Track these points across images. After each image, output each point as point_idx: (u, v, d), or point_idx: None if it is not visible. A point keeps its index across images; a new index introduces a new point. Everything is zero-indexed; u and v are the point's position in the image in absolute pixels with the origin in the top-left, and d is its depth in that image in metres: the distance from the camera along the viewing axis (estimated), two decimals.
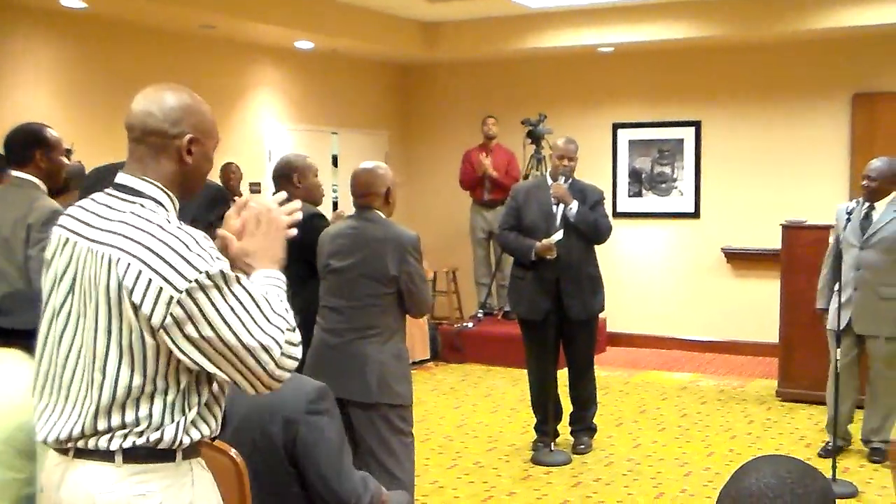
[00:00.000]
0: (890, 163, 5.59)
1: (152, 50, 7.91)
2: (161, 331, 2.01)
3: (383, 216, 4.17)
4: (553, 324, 5.76)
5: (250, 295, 2.05)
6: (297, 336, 2.09)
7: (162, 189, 2.14)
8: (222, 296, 2.02)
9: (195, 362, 2.03)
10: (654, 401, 7.51)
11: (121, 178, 2.16)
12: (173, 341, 2.01)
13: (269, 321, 2.05)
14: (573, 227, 5.69)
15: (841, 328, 5.48)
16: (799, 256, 7.08)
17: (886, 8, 7.92)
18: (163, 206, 2.13)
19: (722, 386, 7.99)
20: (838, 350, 5.43)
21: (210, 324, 2.01)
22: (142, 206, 2.11)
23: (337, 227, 4.26)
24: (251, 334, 2.03)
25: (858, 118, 8.78)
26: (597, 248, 5.98)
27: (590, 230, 5.77)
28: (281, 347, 2.05)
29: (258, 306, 2.05)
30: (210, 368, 2.04)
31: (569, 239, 5.65)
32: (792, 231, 7.18)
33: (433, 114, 10.78)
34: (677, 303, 9.67)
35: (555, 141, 5.98)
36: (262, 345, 2.03)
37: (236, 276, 2.06)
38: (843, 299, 5.46)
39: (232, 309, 2.02)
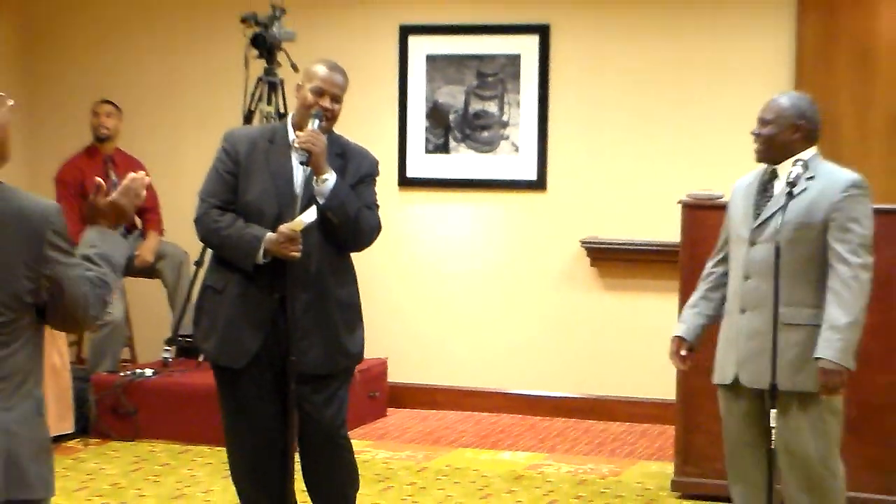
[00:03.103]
0: (798, 100, 5.35)
1: None
2: None
3: None
4: (271, 371, 5.27)
5: None
6: None
7: None
8: None
9: None
10: (469, 502, 6.87)
11: None
12: None
13: None
14: (320, 213, 5.29)
15: (730, 381, 5.30)
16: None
17: None
18: None
19: (583, 475, 7.28)
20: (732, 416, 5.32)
21: None
22: None
23: None
24: None
25: (809, 27, 8.17)
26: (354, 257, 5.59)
27: (344, 224, 5.33)
28: None
29: None
30: None
31: (310, 235, 5.22)
32: (699, 213, 6.65)
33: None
34: (507, 335, 8.73)
35: (311, 65, 5.46)
36: None
37: None
38: (726, 331, 5.41)
39: None
